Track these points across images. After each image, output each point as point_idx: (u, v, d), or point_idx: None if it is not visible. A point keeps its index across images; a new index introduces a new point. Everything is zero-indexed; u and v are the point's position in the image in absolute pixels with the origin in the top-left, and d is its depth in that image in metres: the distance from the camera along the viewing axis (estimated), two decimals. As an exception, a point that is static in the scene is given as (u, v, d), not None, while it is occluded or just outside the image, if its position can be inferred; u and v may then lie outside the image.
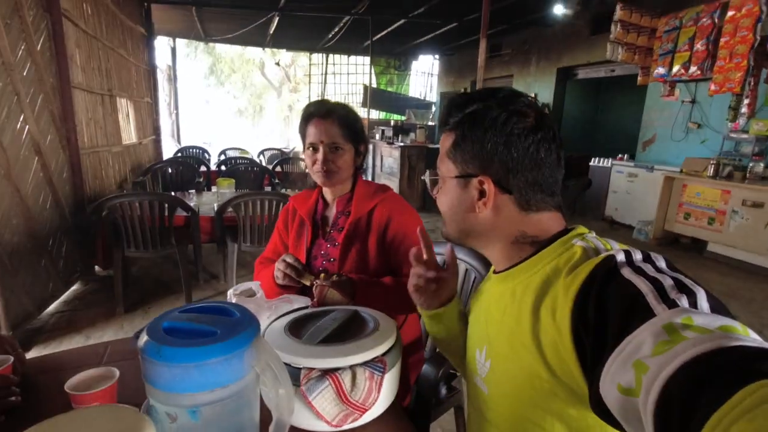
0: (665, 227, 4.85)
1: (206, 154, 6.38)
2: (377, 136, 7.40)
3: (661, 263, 0.54)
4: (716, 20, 3.44)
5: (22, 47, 2.68)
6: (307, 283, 1.07)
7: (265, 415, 0.63)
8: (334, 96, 11.55)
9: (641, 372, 0.39)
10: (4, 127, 2.42)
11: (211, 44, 13.34)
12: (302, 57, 15.22)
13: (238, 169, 4.67)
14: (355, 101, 11.30)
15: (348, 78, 11.52)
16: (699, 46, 3.55)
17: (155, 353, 0.48)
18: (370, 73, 8.71)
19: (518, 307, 0.64)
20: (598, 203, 6.06)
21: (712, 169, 4.38)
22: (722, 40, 3.37)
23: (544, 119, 0.66)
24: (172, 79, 9.34)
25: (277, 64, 15.48)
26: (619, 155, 5.85)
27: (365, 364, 0.69)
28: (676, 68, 3.75)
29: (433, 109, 10.78)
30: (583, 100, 8.82)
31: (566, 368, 0.55)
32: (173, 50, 9.23)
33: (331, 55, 11.03)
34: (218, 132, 16.90)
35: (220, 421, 0.52)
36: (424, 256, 0.80)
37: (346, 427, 0.68)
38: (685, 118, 5.26)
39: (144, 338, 0.50)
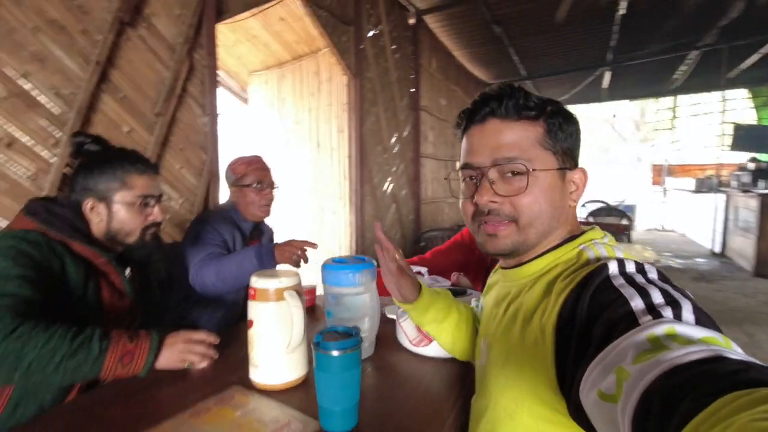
0: None
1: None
2: (734, 183, 5.86)
3: (653, 274, 0.54)
4: None
5: (396, 135, 4.25)
6: None
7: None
8: (690, 138, 9.86)
9: (623, 378, 0.39)
10: (379, 185, 3.93)
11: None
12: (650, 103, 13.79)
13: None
14: (724, 143, 9.21)
15: (712, 117, 9.59)
16: None
17: (328, 268, 1.11)
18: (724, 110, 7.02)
19: (517, 307, 0.67)
20: None
21: None
22: None
23: None
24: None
25: (614, 116, 14.73)
26: None
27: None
28: None
29: None
30: None
31: (541, 366, 0.57)
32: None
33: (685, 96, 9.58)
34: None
35: (348, 309, 1.08)
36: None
37: (419, 350, 1.08)
38: None
39: (329, 263, 1.14)
